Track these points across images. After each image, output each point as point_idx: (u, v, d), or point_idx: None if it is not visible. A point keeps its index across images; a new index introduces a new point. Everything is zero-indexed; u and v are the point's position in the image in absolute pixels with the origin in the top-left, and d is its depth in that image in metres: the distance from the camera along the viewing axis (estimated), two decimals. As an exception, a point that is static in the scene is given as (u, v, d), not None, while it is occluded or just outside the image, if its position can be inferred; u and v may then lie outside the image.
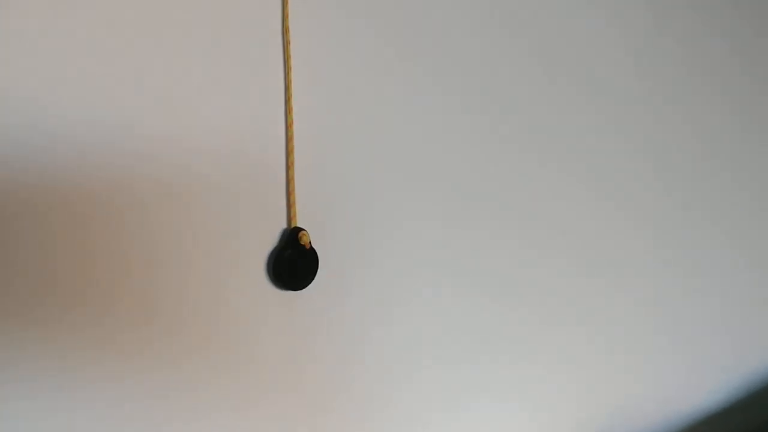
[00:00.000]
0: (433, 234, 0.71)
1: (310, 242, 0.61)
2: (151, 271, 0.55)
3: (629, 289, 0.89)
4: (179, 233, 0.56)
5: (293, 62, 0.62)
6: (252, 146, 0.60)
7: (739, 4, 1.01)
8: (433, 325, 0.72)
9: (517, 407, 0.79)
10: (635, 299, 0.89)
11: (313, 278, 0.62)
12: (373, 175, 0.67)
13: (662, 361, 0.93)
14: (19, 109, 0.50)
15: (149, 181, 0.55)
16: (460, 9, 0.73)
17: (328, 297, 0.64)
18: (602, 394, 0.88)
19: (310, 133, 0.63)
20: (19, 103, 0.50)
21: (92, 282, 0.53)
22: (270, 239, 0.61)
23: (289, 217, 0.62)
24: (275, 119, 0.61)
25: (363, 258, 0.67)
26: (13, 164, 0.50)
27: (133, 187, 0.54)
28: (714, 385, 1.00)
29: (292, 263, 0.60)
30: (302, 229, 0.61)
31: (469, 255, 0.74)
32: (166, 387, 0.56)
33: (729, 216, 1.00)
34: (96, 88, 0.53)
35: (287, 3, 0.62)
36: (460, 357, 0.74)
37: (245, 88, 0.60)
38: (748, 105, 1.02)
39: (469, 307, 0.74)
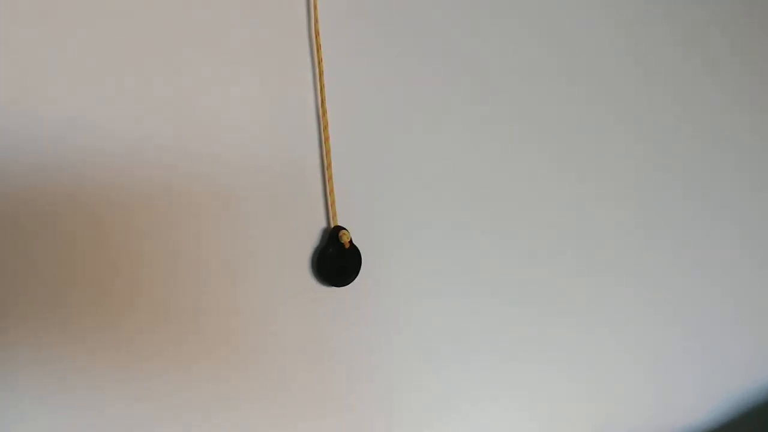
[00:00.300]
0: (459, 234, 0.74)
1: (350, 241, 0.63)
2: (201, 273, 0.58)
3: (644, 293, 0.90)
4: (226, 235, 0.59)
5: (325, 65, 0.64)
6: (289, 149, 0.63)
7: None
8: (457, 323, 0.75)
9: (538, 407, 0.82)
10: (649, 302, 0.91)
11: (356, 275, 0.65)
12: (404, 176, 0.69)
13: (675, 364, 0.95)
14: (67, 116, 0.53)
15: (196, 186, 0.58)
16: (485, 17, 0.74)
17: (369, 293, 0.67)
18: (617, 397, 0.90)
19: (345, 133, 0.65)
20: (63, 110, 0.53)
21: (143, 284, 0.56)
22: (312, 238, 0.64)
23: (329, 217, 0.65)
24: (310, 122, 0.64)
25: (397, 256, 0.69)
26: (57, 168, 0.53)
27: (181, 192, 0.57)
28: (728, 388, 1.01)
29: (335, 261, 0.63)
30: (342, 228, 0.63)
31: (492, 256, 0.76)
32: (212, 380, 0.60)
33: (748, 219, 1.00)
34: (140, 100, 0.55)
35: (316, 7, 0.63)
36: (492, 355, 0.77)
37: (280, 95, 0.62)
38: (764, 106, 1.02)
39: (495, 308, 0.77)
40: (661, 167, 0.91)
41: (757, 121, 1.01)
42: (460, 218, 0.73)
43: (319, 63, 0.64)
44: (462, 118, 0.73)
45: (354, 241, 0.66)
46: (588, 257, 0.85)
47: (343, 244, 0.63)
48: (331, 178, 0.64)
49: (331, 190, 0.64)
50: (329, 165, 0.64)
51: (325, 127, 0.64)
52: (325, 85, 0.64)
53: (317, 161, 0.64)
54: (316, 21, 0.63)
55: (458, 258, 0.74)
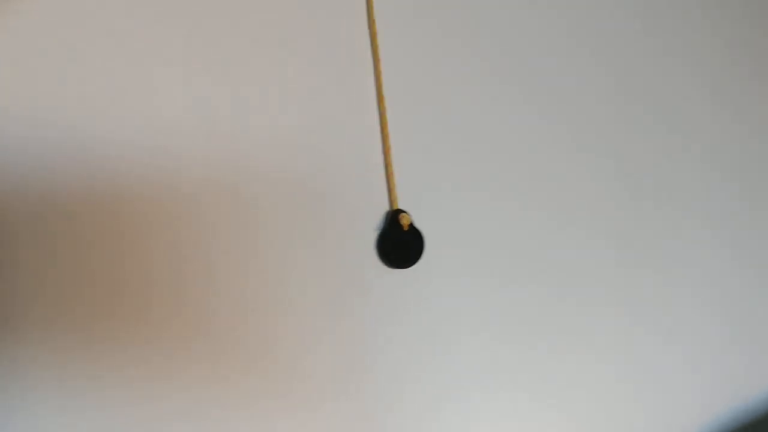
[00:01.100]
0: (516, 223, 0.72)
1: (411, 223, 0.64)
2: (272, 256, 0.61)
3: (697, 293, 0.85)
4: (294, 222, 0.62)
5: (381, 53, 0.65)
6: (350, 135, 0.64)
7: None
8: (514, 309, 0.73)
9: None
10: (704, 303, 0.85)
11: (419, 257, 0.66)
12: (460, 163, 0.69)
13: (671, 378, 0.88)
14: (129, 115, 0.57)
15: (270, 175, 0.61)
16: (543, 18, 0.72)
17: (431, 274, 0.68)
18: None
19: (403, 119, 0.66)
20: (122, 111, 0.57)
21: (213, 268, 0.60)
22: (375, 221, 0.65)
23: (390, 200, 0.66)
24: (368, 108, 0.65)
25: (460, 240, 0.69)
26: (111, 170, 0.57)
27: (248, 182, 0.60)
28: (723, 403, 0.92)
29: (395, 243, 0.64)
30: (403, 211, 0.64)
31: (549, 244, 0.74)
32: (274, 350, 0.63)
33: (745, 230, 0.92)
34: (202, 98, 0.59)
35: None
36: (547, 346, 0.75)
37: (338, 81, 0.64)
38: None
39: (544, 298, 0.75)
40: (651, 183, 0.85)
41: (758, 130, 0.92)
42: (517, 206, 0.72)
43: (375, 51, 0.65)
44: (518, 107, 0.72)
45: (417, 225, 0.66)
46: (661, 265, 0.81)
47: (402, 226, 0.64)
48: (390, 162, 0.65)
49: (391, 174, 0.65)
50: (389, 149, 0.65)
51: (383, 112, 0.65)
52: (382, 73, 0.65)
53: (378, 146, 0.65)
54: (371, 7, 0.65)
55: (515, 245, 0.73)
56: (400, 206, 0.66)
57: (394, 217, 0.65)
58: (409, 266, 0.66)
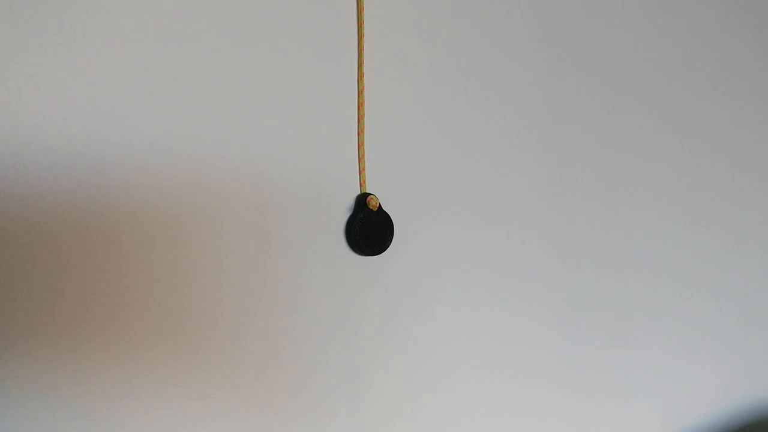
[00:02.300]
0: (476, 223, 0.68)
1: (379, 205, 0.60)
2: (242, 248, 0.58)
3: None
4: (254, 211, 0.58)
5: (366, 38, 0.62)
6: (326, 118, 0.61)
7: None
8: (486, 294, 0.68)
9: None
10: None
11: (389, 243, 0.61)
12: (435, 150, 0.66)
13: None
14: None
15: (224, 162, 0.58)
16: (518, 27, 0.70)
17: (403, 262, 0.63)
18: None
19: (380, 108, 0.63)
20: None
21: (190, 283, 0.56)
22: (347, 206, 0.62)
23: (360, 184, 0.62)
24: (347, 93, 0.62)
25: (432, 226, 0.65)
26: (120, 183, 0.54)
27: (214, 170, 0.57)
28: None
29: (364, 227, 0.60)
30: (371, 194, 0.60)
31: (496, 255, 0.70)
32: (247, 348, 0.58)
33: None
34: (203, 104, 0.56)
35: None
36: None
37: (317, 61, 0.61)
38: None
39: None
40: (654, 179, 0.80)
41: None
42: (481, 212, 0.68)
43: (360, 27, 0.62)
44: (492, 104, 0.68)
45: (388, 210, 0.62)
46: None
47: (371, 209, 0.60)
48: (363, 143, 0.62)
49: (362, 156, 0.62)
50: (362, 130, 0.62)
51: (361, 91, 0.62)
52: (364, 62, 0.62)
53: (354, 128, 0.62)
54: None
55: (485, 259, 0.68)
56: (375, 192, 0.62)
57: (361, 199, 0.61)
58: (379, 252, 0.61)
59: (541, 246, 0.71)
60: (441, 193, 0.66)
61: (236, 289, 0.58)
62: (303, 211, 0.60)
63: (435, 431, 0.66)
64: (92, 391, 0.53)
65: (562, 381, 0.74)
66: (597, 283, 0.75)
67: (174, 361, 0.56)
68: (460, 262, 0.67)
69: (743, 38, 0.86)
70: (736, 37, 0.85)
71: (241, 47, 0.58)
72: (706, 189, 0.83)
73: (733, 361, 0.86)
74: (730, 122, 0.85)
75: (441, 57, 0.66)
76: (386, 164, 0.63)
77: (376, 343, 0.64)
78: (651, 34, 0.78)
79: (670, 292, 0.81)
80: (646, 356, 0.79)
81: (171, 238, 0.55)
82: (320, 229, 0.61)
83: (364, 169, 0.62)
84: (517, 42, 0.70)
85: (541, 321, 0.72)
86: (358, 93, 0.62)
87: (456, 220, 0.67)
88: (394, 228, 0.63)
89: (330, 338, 0.61)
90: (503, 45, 0.69)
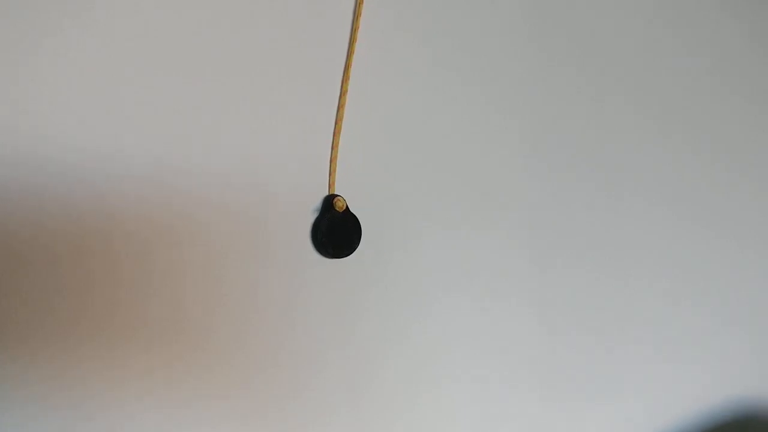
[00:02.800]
0: (454, 231, 0.64)
1: (346, 207, 0.56)
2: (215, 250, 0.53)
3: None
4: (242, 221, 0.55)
5: (359, 34, 0.61)
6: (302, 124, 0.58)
7: None
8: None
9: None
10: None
11: (356, 245, 0.57)
12: (412, 155, 0.63)
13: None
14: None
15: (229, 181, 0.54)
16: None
17: (372, 266, 0.59)
18: None
19: (360, 109, 0.61)
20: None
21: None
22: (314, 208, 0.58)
23: (329, 185, 0.58)
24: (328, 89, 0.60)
25: (404, 230, 0.61)
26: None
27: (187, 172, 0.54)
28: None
29: (330, 229, 0.56)
30: (338, 195, 0.57)
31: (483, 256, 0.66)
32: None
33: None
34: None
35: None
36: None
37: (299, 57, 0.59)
38: None
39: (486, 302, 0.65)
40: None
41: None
42: (451, 219, 0.64)
43: (354, 32, 0.61)
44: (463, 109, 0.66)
45: (358, 213, 0.58)
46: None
47: (337, 211, 0.56)
48: (337, 145, 0.59)
49: (335, 158, 0.59)
50: (338, 132, 0.59)
51: (344, 93, 0.60)
52: (352, 64, 0.61)
53: (331, 129, 0.59)
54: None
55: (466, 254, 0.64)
56: (339, 192, 0.59)
57: (328, 201, 0.57)
58: (347, 254, 0.57)
59: (516, 246, 0.67)
60: (414, 197, 0.62)
61: (194, 294, 0.53)
62: (268, 213, 0.56)
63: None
64: (90, 394, 0.49)
65: (539, 383, 0.68)
66: (574, 281, 0.70)
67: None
68: (435, 265, 0.63)
69: (742, 31, 0.84)
70: (736, 30, 0.83)
71: (230, 41, 0.56)
72: (691, 185, 0.79)
73: (715, 359, 0.81)
74: (704, 111, 0.82)
75: (435, 69, 0.64)
76: (359, 167, 0.60)
77: (341, 347, 0.58)
78: (646, 26, 0.77)
79: (651, 291, 0.76)
80: (626, 356, 0.74)
81: (133, 240, 0.51)
82: (286, 232, 0.57)
83: (335, 171, 0.59)
84: (511, 44, 0.68)
85: (516, 322, 0.67)
86: (341, 95, 0.60)
87: (430, 224, 0.63)
88: (362, 230, 0.58)
89: (290, 340, 0.56)
90: (498, 55, 0.68)
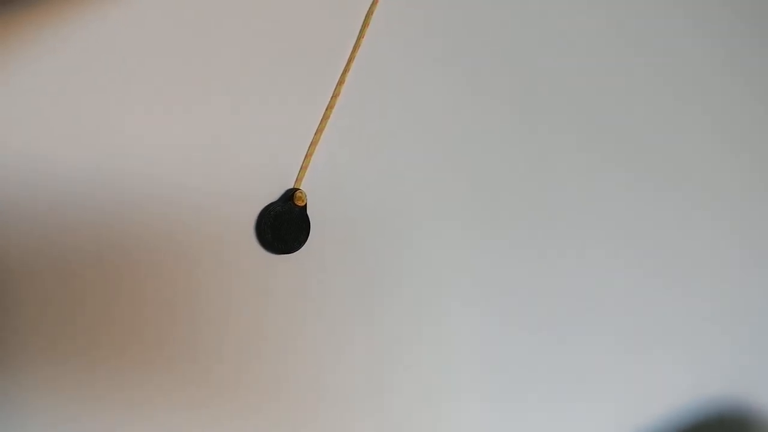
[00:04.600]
0: (445, 232, 0.58)
1: (305, 204, 0.52)
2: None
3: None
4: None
5: (364, 40, 0.59)
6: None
7: None
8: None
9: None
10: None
11: (304, 241, 0.53)
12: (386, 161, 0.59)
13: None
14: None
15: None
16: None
17: (319, 263, 0.54)
18: None
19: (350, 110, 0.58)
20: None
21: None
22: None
23: (297, 179, 0.55)
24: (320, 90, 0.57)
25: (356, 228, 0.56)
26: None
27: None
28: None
29: (277, 221, 0.52)
30: (299, 189, 0.53)
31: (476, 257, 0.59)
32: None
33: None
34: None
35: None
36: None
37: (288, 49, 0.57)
38: None
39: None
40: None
41: None
42: (444, 220, 0.59)
43: (360, 38, 0.59)
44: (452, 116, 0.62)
45: (319, 210, 0.54)
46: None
47: (295, 204, 0.52)
48: (316, 142, 0.56)
49: (310, 154, 0.55)
50: (321, 130, 0.56)
51: (336, 95, 0.57)
52: (350, 70, 0.59)
53: (314, 127, 0.56)
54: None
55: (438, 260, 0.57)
56: (305, 188, 0.55)
57: (288, 194, 0.53)
58: (292, 250, 0.52)
59: (477, 245, 0.61)
60: (385, 203, 0.58)
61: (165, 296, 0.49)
62: (220, 206, 0.53)
63: None
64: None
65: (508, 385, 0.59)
66: (542, 272, 0.63)
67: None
68: (390, 268, 0.57)
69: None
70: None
71: (227, 32, 0.55)
72: (677, 177, 0.70)
73: (698, 356, 0.71)
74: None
75: (435, 86, 0.61)
76: (335, 166, 0.56)
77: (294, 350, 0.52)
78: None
79: (624, 283, 0.67)
80: (602, 353, 0.66)
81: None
82: (233, 222, 0.53)
83: (306, 167, 0.55)
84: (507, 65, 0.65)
85: (477, 322, 0.60)
86: (332, 96, 0.57)
87: (394, 229, 0.57)
88: (311, 227, 0.53)
89: (238, 336, 0.51)
90: (492, 73, 0.64)
